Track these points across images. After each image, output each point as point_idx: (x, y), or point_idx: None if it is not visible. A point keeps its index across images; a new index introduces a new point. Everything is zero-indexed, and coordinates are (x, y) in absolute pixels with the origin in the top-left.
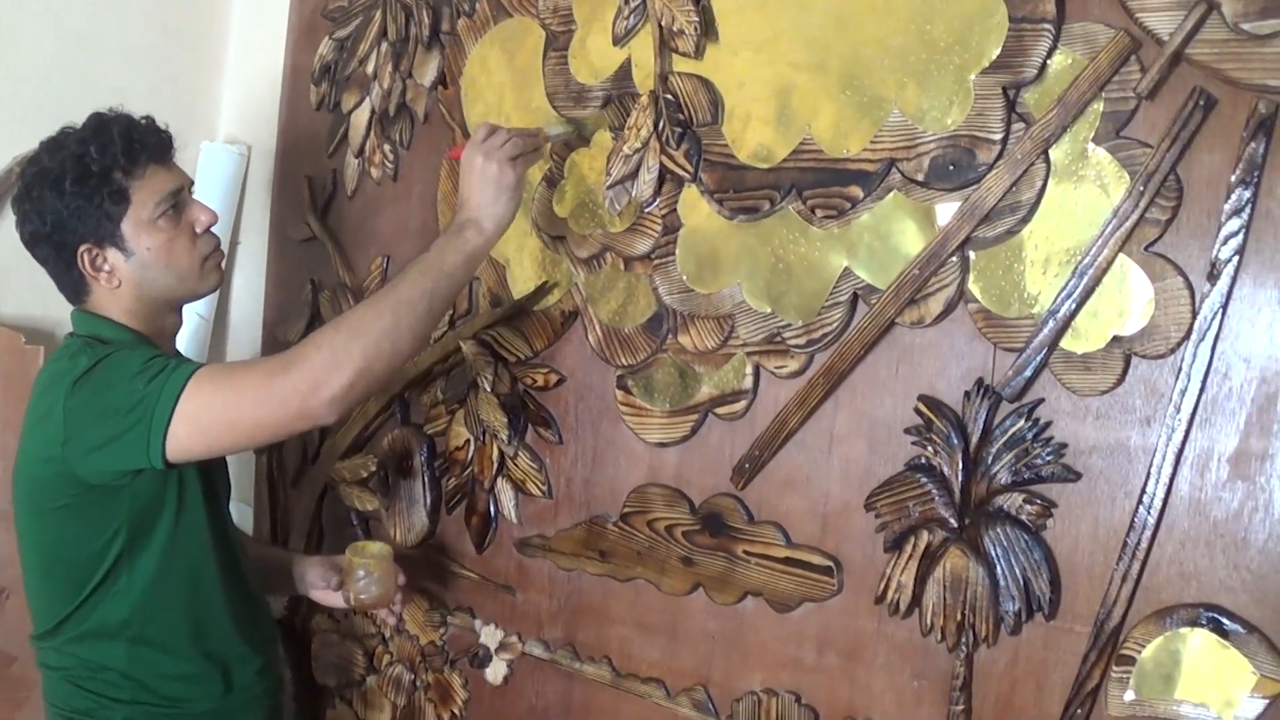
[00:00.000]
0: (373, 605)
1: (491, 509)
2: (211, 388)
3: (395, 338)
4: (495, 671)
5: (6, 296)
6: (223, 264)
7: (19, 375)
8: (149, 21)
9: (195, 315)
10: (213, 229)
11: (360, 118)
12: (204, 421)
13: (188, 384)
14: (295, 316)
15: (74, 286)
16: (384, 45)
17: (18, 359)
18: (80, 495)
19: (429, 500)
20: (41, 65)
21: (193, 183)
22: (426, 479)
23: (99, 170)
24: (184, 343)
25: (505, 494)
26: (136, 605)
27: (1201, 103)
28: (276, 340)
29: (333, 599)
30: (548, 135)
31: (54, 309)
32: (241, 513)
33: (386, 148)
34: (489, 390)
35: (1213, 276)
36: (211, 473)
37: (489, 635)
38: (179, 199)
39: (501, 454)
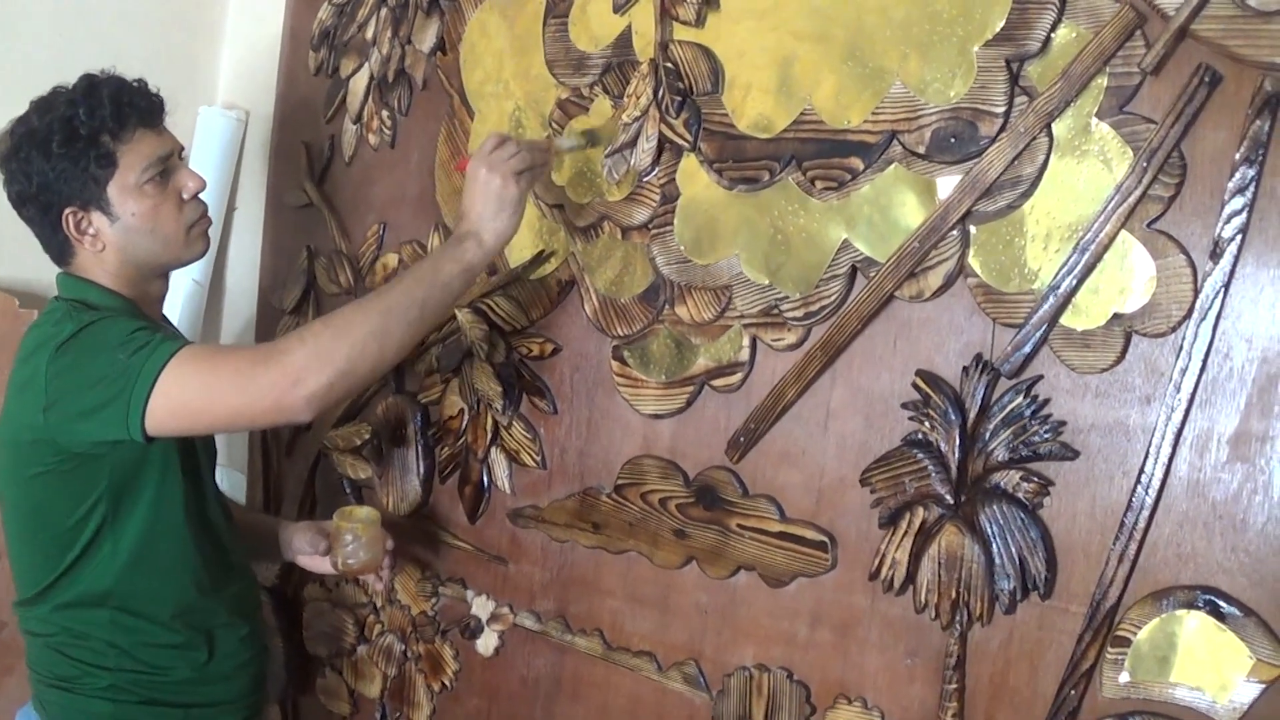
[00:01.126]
0: (360, 570)
1: (485, 479)
2: (193, 369)
3: (382, 342)
4: (486, 643)
5: (1, 260)
6: (209, 231)
7: (13, 339)
8: None
9: (190, 280)
10: (202, 195)
11: (358, 84)
12: (182, 401)
13: (170, 361)
14: (291, 283)
15: (59, 248)
16: (383, 10)
17: (12, 322)
18: (61, 462)
19: (422, 469)
20: (38, 27)
21: (183, 148)
22: (420, 448)
23: (87, 133)
24: (179, 308)
25: (499, 464)
26: (120, 574)
27: (1206, 79)
28: (272, 307)
29: (320, 565)
30: (559, 148)
31: (48, 273)
32: (234, 480)
33: (384, 114)
34: (484, 359)
35: (1215, 255)
36: (195, 441)
37: (480, 606)
38: (167, 164)
39: (496, 424)
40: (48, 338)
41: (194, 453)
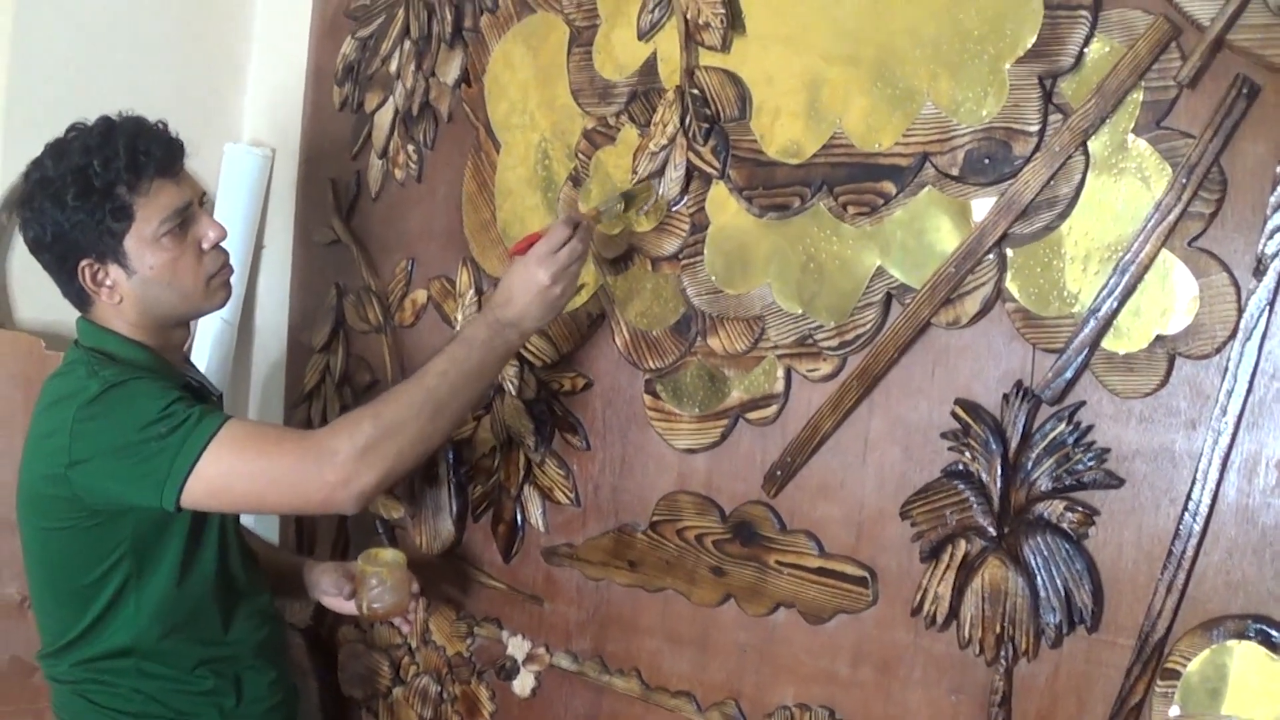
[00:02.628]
0: (386, 615)
1: (518, 517)
2: (236, 456)
3: (429, 440)
4: (523, 683)
5: (26, 302)
6: (231, 280)
7: (39, 381)
8: (171, 22)
9: (219, 320)
10: (225, 239)
11: (384, 118)
12: (223, 485)
13: (211, 443)
14: (320, 321)
15: (76, 297)
16: (406, 44)
17: (38, 364)
18: (83, 519)
19: (455, 508)
20: (62, 65)
21: (205, 194)
22: (452, 486)
23: (101, 185)
24: (208, 348)
25: (532, 502)
26: (144, 630)
27: (1244, 91)
28: (302, 345)
29: (346, 607)
30: (600, 217)
31: (73, 314)
32: (267, 519)
33: (410, 148)
34: (515, 395)
35: (1259, 272)
36: None
37: (516, 646)
38: (186, 215)
39: (528, 461)
40: (72, 391)
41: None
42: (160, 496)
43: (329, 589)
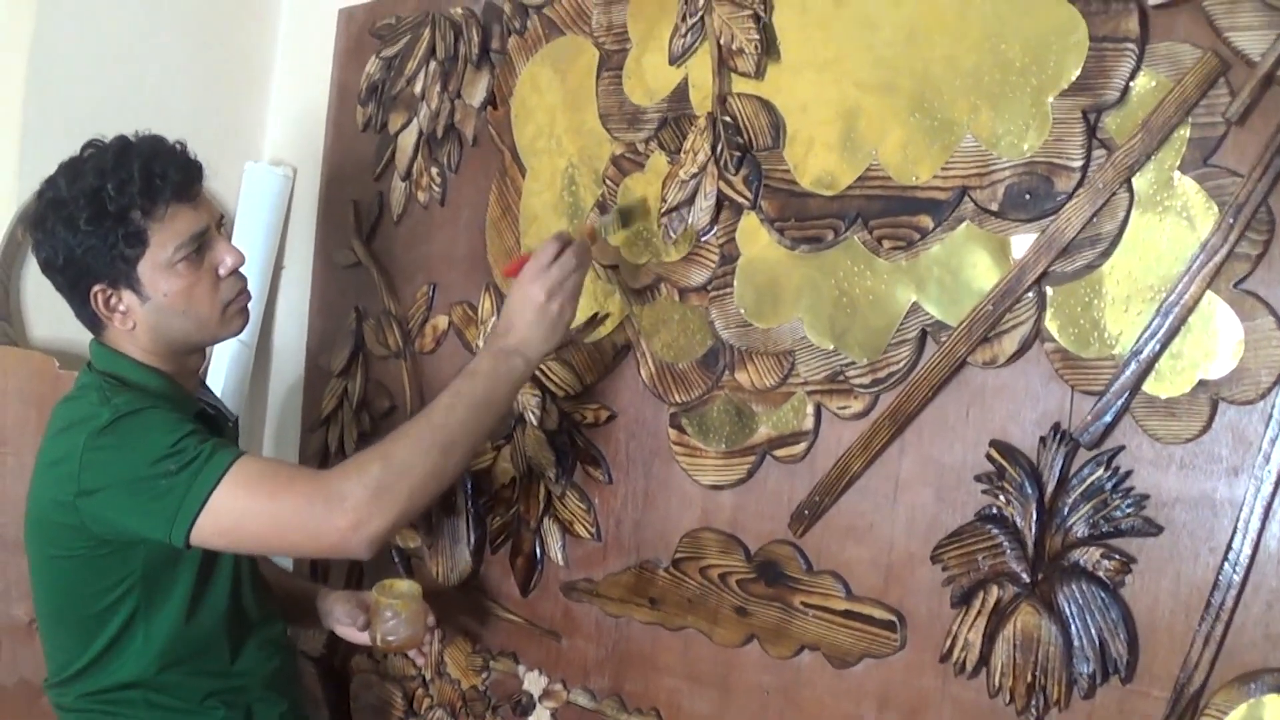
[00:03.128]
0: (400, 648)
1: (537, 550)
2: (247, 496)
3: (441, 479)
4: None
5: (40, 321)
6: (249, 306)
7: (52, 400)
8: (193, 39)
9: (237, 342)
10: (243, 265)
11: (407, 139)
12: (234, 525)
13: (222, 482)
14: (339, 345)
15: (89, 320)
16: (432, 64)
17: (51, 384)
18: (92, 548)
19: (472, 539)
20: (83, 82)
21: (222, 216)
22: (470, 517)
23: (115, 209)
24: (225, 370)
25: (552, 535)
26: (154, 662)
27: None
28: (320, 368)
29: (359, 637)
30: (601, 236)
31: (87, 335)
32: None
33: (434, 170)
34: (536, 426)
35: None
36: None
37: (532, 682)
38: (202, 240)
39: (549, 493)
40: (83, 417)
41: None
42: (169, 534)
43: (343, 618)
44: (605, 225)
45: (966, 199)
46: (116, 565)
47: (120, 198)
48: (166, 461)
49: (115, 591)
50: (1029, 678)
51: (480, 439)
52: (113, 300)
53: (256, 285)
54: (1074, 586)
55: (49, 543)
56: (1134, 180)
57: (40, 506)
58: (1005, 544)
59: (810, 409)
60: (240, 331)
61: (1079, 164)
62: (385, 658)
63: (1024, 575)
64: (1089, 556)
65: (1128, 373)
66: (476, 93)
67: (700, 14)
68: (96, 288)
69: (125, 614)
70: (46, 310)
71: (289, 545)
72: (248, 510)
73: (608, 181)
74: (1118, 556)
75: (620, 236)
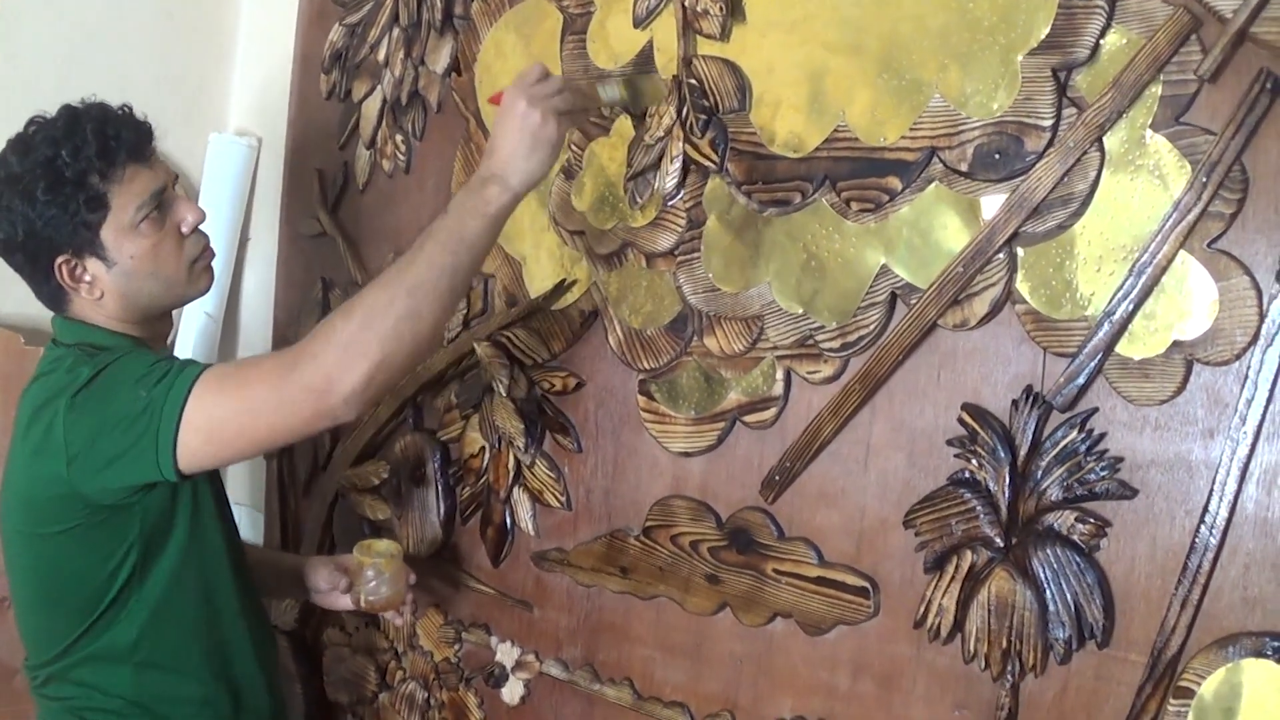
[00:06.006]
0: (383, 607)
1: (508, 520)
2: (218, 391)
3: (415, 323)
4: (512, 691)
5: (3, 296)
6: (213, 264)
7: (18, 377)
8: (155, 8)
9: (204, 314)
10: (205, 226)
11: (371, 107)
12: (214, 429)
13: (193, 388)
14: (306, 316)
15: (52, 296)
16: (395, 31)
17: (16, 360)
18: (88, 517)
19: (442, 510)
20: (43, 53)
21: (177, 177)
22: (440, 487)
23: (73, 175)
24: (192, 344)
25: (522, 504)
26: (145, 626)
27: (1268, 86)
28: (287, 340)
29: (340, 602)
30: (602, 100)
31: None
32: (252, 519)
33: (399, 138)
34: (504, 395)
35: None
36: (221, 479)
37: (505, 653)
38: (162, 199)
39: (518, 462)
40: (61, 386)
41: (222, 490)
42: (157, 464)
43: (321, 584)
44: (607, 91)
45: (935, 159)
46: (114, 531)
47: (76, 163)
48: (138, 387)
49: (114, 559)
50: (1004, 643)
51: (456, 278)
52: (78, 270)
53: (222, 258)
54: (1048, 551)
55: (39, 521)
56: (1105, 139)
57: (28, 486)
58: (978, 508)
59: (780, 374)
60: (207, 290)
61: (1049, 123)
62: (357, 629)
63: (998, 540)
64: (1063, 520)
65: (1100, 334)
66: (440, 59)
67: None
68: (60, 259)
69: (121, 580)
70: (9, 284)
71: (270, 429)
72: (223, 408)
73: (573, 147)
74: (1092, 520)
75: (588, 196)
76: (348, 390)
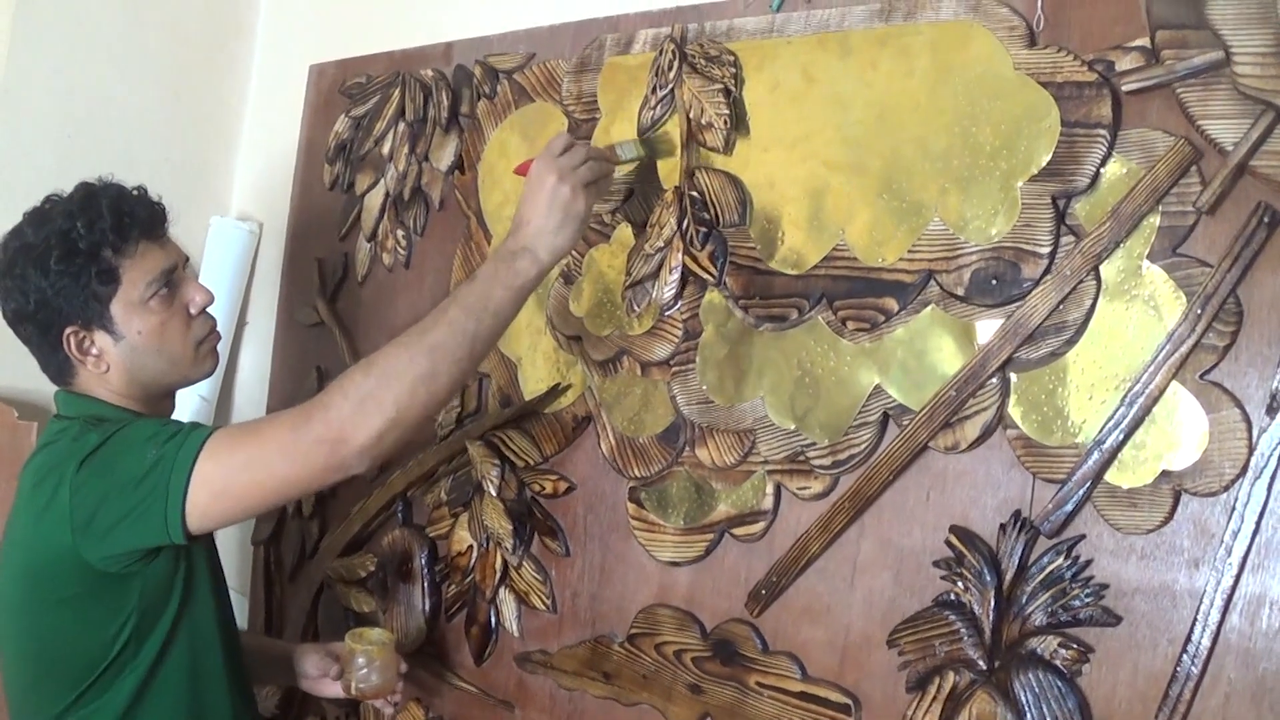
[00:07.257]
0: (374, 695)
1: (492, 620)
2: (230, 446)
3: (431, 385)
4: None
5: None
6: (219, 347)
7: (11, 451)
8: (161, 90)
9: (198, 397)
10: (211, 309)
11: (374, 200)
12: (225, 483)
13: (205, 445)
14: (300, 403)
15: (58, 368)
16: (401, 125)
17: (10, 434)
18: (90, 585)
19: (428, 606)
20: (49, 132)
21: (188, 259)
22: (426, 584)
23: (86, 247)
24: None
25: (507, 605)
26: (133, 697)
27: (1266, 219)
28: None
29: (330, 689)
30: (619, 158)
31: (48, 383)
32: (238, 604)
33: (400, 233)
34: (495, 495)
35: (1272, 410)
36: (218, 556)
37: None
38: (172, 278)
39: (505, 563)
40: (67, 454)
41: (217, 566)
42: (165, 524)
43: (311, 670)
44: (625, 150)
45: (932, 282)
46: (114, 600)
47: (91, 235)
48: (148, 446)
49: (110, 628)
50: None
51: (476, 345)
52: (85, 342)
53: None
54: (1031, 675)
55: (39, 590)
56: (1102, 268)
57: (28, 554)
58: (962, 630)
59: (770, 488)
60: (211, 372)
61: (1047, 250)
62: (337, 719)
63: (981, 662)
64: (1046, 645)
65: (1090, 462)
66: (444, 156)
67: (671, 87)
68: (69, 330)
69: (116, 650)
70: (5, 358)
71: (283, 481)
72: (234, 462)
73: (573, 252)
74: (1076, 645)
75: (586, 302)
76: (361, 443)
